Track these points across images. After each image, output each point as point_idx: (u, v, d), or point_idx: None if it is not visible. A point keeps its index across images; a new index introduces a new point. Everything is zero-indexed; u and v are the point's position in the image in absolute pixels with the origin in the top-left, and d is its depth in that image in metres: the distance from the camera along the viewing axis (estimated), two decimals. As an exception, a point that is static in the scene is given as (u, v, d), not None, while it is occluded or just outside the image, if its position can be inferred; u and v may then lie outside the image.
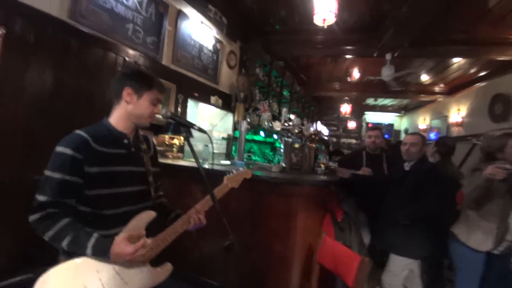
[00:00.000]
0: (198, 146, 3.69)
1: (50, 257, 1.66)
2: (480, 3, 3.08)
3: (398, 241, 1.85)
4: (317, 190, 1.92)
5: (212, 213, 1.19)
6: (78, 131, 0.99)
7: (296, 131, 2.21)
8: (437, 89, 6.43)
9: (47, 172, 0.92)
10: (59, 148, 0.94)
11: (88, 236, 0.91)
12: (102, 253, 0.90)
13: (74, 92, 1.96)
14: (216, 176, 1.31)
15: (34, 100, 1.76)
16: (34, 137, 1.75)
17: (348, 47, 4.33)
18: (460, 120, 5.86)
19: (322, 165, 2.15)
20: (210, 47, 3.39)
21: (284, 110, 2.38)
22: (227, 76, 3.79)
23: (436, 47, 4.05)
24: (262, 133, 4.72)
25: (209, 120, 3.98)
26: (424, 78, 6.14)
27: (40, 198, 0.90)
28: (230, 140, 3.87)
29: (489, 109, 4.92)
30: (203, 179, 1.01)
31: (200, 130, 1.05)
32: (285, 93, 5.38)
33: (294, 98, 6.00)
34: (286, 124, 2.23)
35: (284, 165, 2.21)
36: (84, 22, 2.02)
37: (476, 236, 1.67)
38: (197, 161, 1.03)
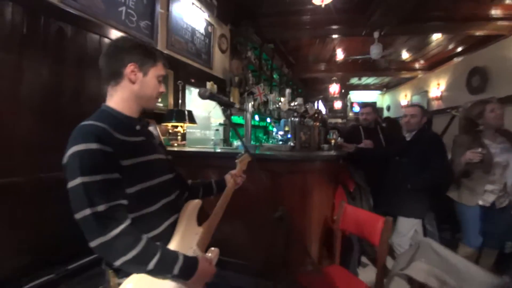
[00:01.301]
0: (197, 134, 3.68)
1: (68, 256, 1.64)
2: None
3: (405, 205, 2.01)
4: (330, 164, 2.01)
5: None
6: (90, 122, 0.80)
7: (302, 110, 2.25)
8: (417, 65, 6.70)
9: (80, 179, 0.72)
10: (79, 147, 0.74)
11: (174, 255, 0.81)
12: (187, 276, 0.82)
13: (73, 83, 1.87)
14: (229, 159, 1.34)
15: (32, 95, 1.64)
16: (38, 134, 1.65)
17: (336, 27, 4.39)
18: (439, 94, 6.19)
19: (332, 141, 2.24)
20: (202, 31, 3.30)
21: (288, 91, 2.40)
22: (219, 61, 3.72)
23: (420, 24, 4.21)
24: (256, 117, 4.75)
25: (204, 106, 3.93)
26: (405, 55, 6.37)
27: (100, 208, 0.72)
28: (227, 126, 3.86)
29: (466, 82, 5.23)
30: (246, 149, 1.03)
31: (241, 109, 1.06)
32: (275, 76, 5.39)
33: (283, 81, 6.02)
34: (292, 105, 2.27)
35: (292, 144, 2.26)
36: (76, 5, 1.89)
37: (465, 195, 1.92)
38: (241, 141, 1.04)
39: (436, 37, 5.11)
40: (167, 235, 0.92)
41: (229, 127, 3.73)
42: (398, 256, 1.49)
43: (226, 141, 3.84)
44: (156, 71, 0.92)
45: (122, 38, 0.93)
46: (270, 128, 5.18)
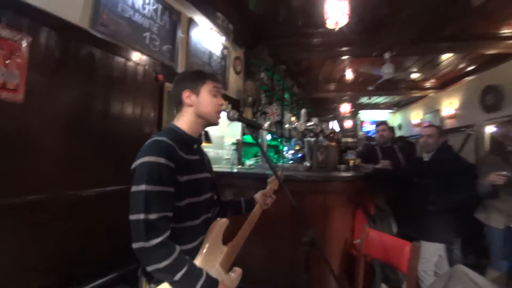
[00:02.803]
0: (210, 153, 3.71)
1: (86, 276, 1.59)
2: (467, 2, 3.27)
3: (428, 228, 1.94)
4: (349, 185, 1.98)
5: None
6: (162, 138, 0.92)
7: (318, 130, 2.26)
8: (428, 84, 6.70)
9: (145, 187, 0.82)
10: (151, 158, 0.85)
11: (199, 272, 0.86)
12: None
13: (100, 103, 1.94)
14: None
15: (62, 115, 1.69)
16: (70, 155, 1.70)
17: (347, 48, 4.48)
18: (453, 112, 6.12)
19: (351, 161, 2.21)
20: (218, 53, 3.43)
21: (303, 111, 2.43)
22: (234, 82, 3.82)
23: (431, 44, 4.26)
24: (268, 136, 4.77)
25: (217, 126, 3.97)
26: (415, 75, 6.39)
27: (151, 216, 0.81)
28: (240, 145, 3.88)
29: (480, 100, 5.17)
30: (275, 172, 1.04)
31: (270, 130, 1.08)
32: (286, 95, 5.47)
33: (294, 100, 6.09)
34: (307, 124, 2.28)
35: (308, 164, 2.25)
36: (105, 31, 2.00)
37: (494, 217, 1.89)
38: (268, 161, 1.05)
39: (447, 56, 5.14)
40: (198, 250, 0.96)
41: (241, 146, 3.76)
42: (430, 285, 1.41)
43: (238, 160, 3.86)
44: (207, 87, 1.03)
45: (179, 73, 1.04)
46: (281, 147, 5.18)
